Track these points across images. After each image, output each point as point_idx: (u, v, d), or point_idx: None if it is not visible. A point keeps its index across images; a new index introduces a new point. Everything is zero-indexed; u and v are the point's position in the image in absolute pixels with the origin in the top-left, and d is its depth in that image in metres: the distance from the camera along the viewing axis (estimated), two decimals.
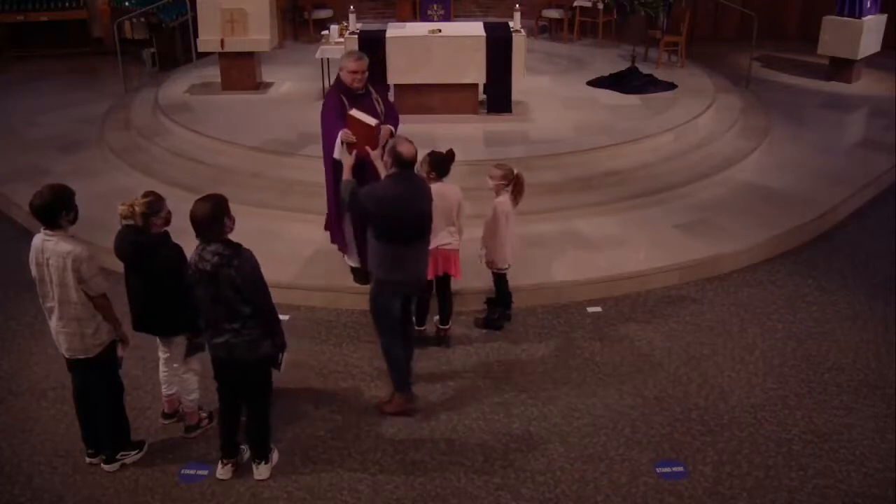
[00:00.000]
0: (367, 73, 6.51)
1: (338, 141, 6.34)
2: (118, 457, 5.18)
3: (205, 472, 5.13)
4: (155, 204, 5.08)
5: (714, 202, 8.38)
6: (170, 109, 9.87)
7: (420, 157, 5.69)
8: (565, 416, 5.65)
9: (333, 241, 7.13)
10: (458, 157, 8.46)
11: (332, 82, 7.14)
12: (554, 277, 7.08)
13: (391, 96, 8.11)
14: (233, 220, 4.89)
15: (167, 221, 5.13)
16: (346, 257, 7.10)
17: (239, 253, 4.81)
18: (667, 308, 6.90)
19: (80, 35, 13.76)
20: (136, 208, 5.04)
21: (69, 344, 4.94)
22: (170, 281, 4.99)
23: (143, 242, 5.07)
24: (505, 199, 6.23)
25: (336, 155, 6.39)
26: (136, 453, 5.25)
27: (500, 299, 6.60)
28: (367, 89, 6.61)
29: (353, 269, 7.03)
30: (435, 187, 5.85)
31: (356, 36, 9.36)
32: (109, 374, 5.09)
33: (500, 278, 6.49)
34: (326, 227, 7.12)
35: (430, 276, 6.11)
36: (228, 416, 5.08)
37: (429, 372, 6.09)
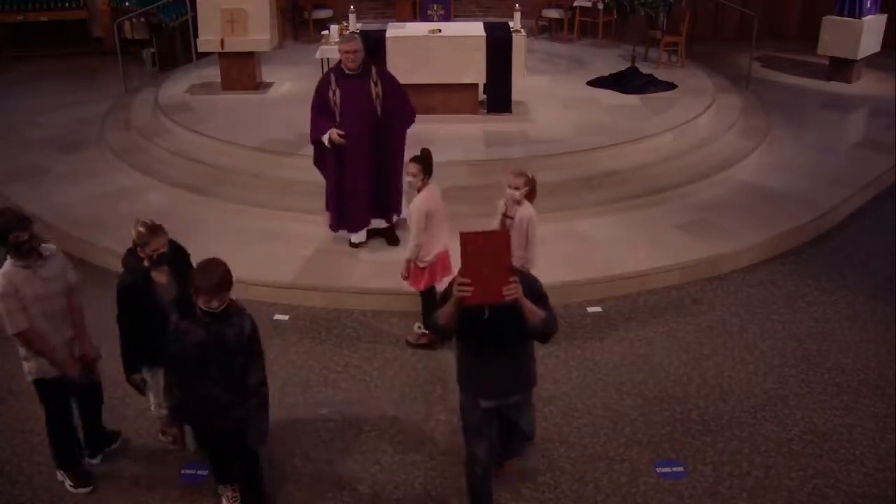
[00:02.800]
0: (360, 53, 6.88)
1: (325, 137, 6.92)
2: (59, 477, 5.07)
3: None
4: (142, 237, 4.63)
5: (714, 202, 8.38)
6: (170, 109, 9.87)
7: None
8: (565, 416, 5.65)
9: (332, 224, 7.34)
10: (458, 157, 8.56)
11: (316, 87, 7.24)
12: (554, 277, 7.06)
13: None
14: None
15: (152, 259, 4.65)
16: (352, 237, 7.38)
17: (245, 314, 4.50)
18: (667, 308, 6.90)
19: (80, 35, 13.77)
20: (132, 231, 4.68)
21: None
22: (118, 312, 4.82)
23: (125, 267, 4.82)
24: (530, 206, 5.81)
25: (325, 141, 6.96)
26: (71, 483, 5.02)
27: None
28: (365, 71, 6.92)
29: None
30: (433, 190, 5.87)
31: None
32: (45, 405, 4.95)
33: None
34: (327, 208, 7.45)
35: (433, 282, 6.11)
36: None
37: (429, 372, 6.09)
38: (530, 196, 5.75)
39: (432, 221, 5.95)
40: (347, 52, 6.81)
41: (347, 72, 6.89)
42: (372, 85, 6.90)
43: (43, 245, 4.72)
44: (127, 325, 4.82)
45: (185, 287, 4.43)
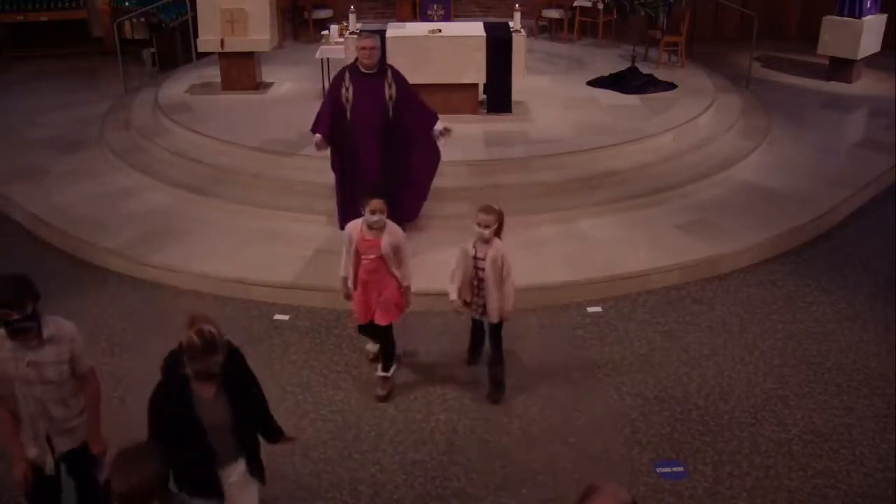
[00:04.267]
0: (376, 51, 6.87)
1: (314, 141, 7.02)
2: None
3: None
4: (193, 350, 3.65)
5: (714, 202, 8.38)
6: (170, 109, 9.87)
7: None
8: (565, 416, 5.65)
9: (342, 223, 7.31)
10: (458, 157, 8.55)
11: (331, 82, 7.25)
12: (554, 277, 7.08)
13: None
14: None
15: (198, 374, 3.72)
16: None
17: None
18: (667, 308, 6.90)
19: (80, 35, 13.76)
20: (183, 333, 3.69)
21: None
22: None
23: (163, 372, 3.95)
24: (500, 241, 5.47)
25: (314, 143, 7.07)
26: None
27: (499, 353, 5.82)
28: (381, 71, 6.93)
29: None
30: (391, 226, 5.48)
31: (356, 36, 9.36)
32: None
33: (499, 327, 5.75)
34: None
35: (385, 321, 5.63)
36: None
37: (428, 373, 6.09)
38: (499, 231, 5.45)
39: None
40: (364, 48, 6.78)
41: (363, 70, 6.88)
42: (386, 86, 6.89)
43: (51, 322, 4.06)
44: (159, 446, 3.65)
45: (241, 408, 3.78)
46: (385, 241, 5.40)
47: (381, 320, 5.61)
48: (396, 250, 5.47)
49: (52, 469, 4.25)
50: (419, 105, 7.10)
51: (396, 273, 5.52)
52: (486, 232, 5.35)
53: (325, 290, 6.92)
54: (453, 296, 5.56)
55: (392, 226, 5.47)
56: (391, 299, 5.58)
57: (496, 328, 5.71)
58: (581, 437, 5.45)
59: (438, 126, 7.13)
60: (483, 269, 5.44)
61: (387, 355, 5.82)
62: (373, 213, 5.28)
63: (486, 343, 5.94)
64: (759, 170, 9.14)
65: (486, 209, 5.40)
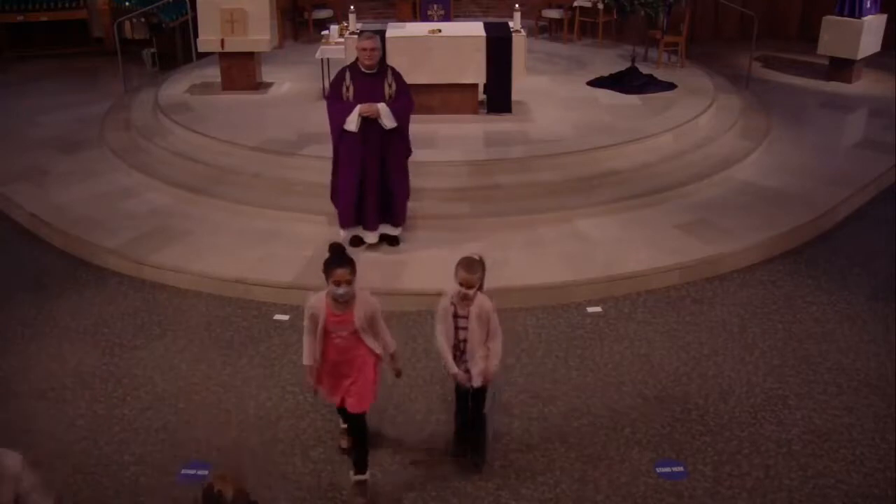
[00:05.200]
0: (377, 52, 6.83)
1: (354, 113, 6.78)
2: None
3: (205, 472, 5.12)
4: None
5: (714, 202, 8.38)
6: (170, 109, 9.88)
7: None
8: (565, 416, 5.65)
9: (344, 222, 7.33)
10: (458, 157, 8.56)
11: (331, 82, 7.25)
12: (554, 277, 7.07)
13: None
14: None
15: None
16: (367, 237, 7.39)
17: None
18: (667, 308, 6.90)
19: (80, 35, 13.76)
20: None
21: None
22: None
23: None
24: (483, 295, 4.82)
25: (351, 126, 6.83)
26: None
27: (481, 413, 5.11)
28: (381, 71, 6.91)
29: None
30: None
31: (356, 36, 9.36)
32: None
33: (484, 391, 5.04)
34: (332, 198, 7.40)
35: (359, 409, 4.84)
36: None
37: (429, 372, 6.09)
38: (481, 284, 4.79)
39: None
40: (364, 49, 6.78)
41: (364, 70, 6.87)
42: (386, 86, 6.88)
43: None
44: None
45: None
46: (358, 313, 4.61)
47: (354, 408, 4.80)
48: (372, 321, 4.68)
49: None
50: (404, 97, 7.01)
51: (374, 346, 4.73)
52: (470, 292, 4.69)
53: (325, 290, 6.92)
54: (453, 368, 4.85)
55: (363, 294, 4.68)
56: (367, 382, 4.77)
57: (479, 388, 4.97)
58: (581, 437, 5.45)
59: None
60: (464, 329, 4.78)
61: (360, 452, 4.90)
62: (338, 284, 4.51)
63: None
64: (759, 170, 9.14)
65: (469, 266, 4.68)
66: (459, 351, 4.87)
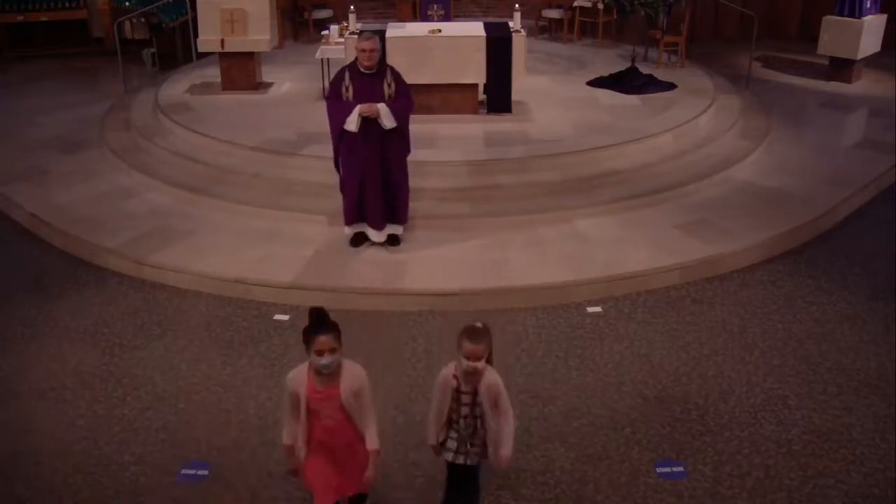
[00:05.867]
0: (376, 53, 6.84)
1: (354, 113, 6.78)
2: None
3: (205, 472, 5.13)
4: None
5: (714, 202, 8.38)
6: (170, 109, 9.88)
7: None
8: (565, 416, 5.65)
9: (348, 220, 7.34)
10: (458, 157, 8.56)
11: (330, 82, 7.26)
12: (554, 277, 7.08)
13: None
14: None
15: None
16: (372, 235, 7.38)
17: None
18: (667, 308, 6.90)
19: (80, 35, 13.76)
20: None
21: None
22: None
23: None
24: (491, 368, 4.25)
25: (351, 126, 6.82)
26: None
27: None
28: (381, 71, 6.92)
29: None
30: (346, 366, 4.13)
31: (356, 36, 9.36)
32: None
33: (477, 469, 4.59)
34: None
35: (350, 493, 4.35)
36: None
37: (429, 372, 6.09)
38: (489, 354, 4.22)
39: None
40: (364, 50, 6.79)
41: (363, 70, 6.88)
42: (386, 86, 6.89)
43: None
44: None
45: None
46: (345, 388, 4.04)
47: (354, 490, 4.31)
48: (358, 397, 4.09)
49: None
50: (403, 97, 7.02)
51: (360, 428, 4.18)
52: (478, 365, 4.11)
53: (325, 290, 6.93)
54: (432, 440, 4.43)
55: (349, 365, 4.10)
56: (363, 467, 4.23)
57: (474, 470, 4.51)
58: (581, 437, 5.45)
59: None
60: (467, 405, 4.28)
61: None
62: (320, 354, 3.93)
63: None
64: (759, 170, 9.14)
65: (474, 335, 4.09)
66: (464, 428, 4.35)
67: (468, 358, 4.09)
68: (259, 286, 6.98)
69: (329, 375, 4.01)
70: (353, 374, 4.08)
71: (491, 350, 4.18)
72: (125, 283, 7.23)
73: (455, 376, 4.24)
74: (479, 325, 4.17)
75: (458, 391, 4.25)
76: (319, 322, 4.01)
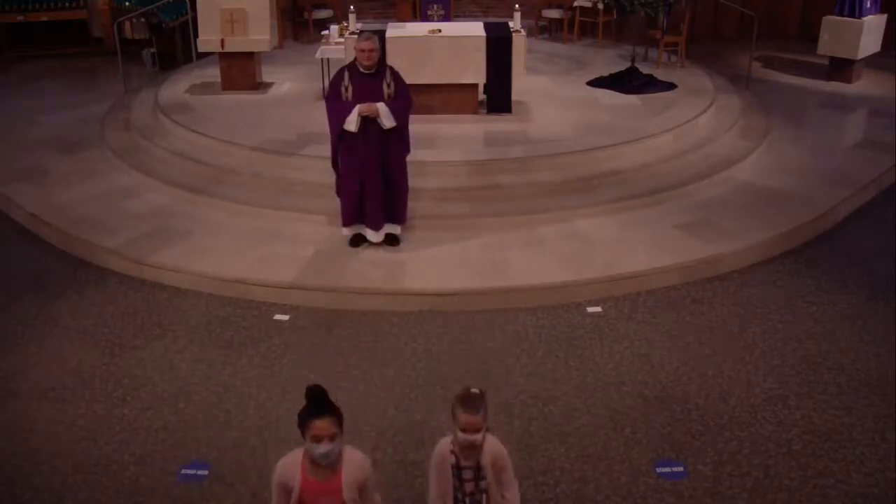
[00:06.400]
0: (375, 53, 6.86)
1: (354, 113, 6.79)
2: None
3: (205, 472, 5.13)
4: None
5: (714, 202, 8.38)
6: (170, 109, 9.88)
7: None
8: (565, 416, 5.65)
9: (346, 221, 7.33)
10: (458, 157, 8.56)
11: (330, 82, 7.26)
12: (554, 278, 7.08)
13: None
14: None
15: None
16: (370, 236, 7.37)
17: None
18: (667, 308, 6.90)
19: (80, 35, 13.76)
20: None
21: None
22: None
23: None
24: (493, 438, 3.86)
25: (350, 126, 6.83)
26: None
27: None
28: (380, 71, 6.93)
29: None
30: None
31: (356, 36, 9.36)
32: None
33: None
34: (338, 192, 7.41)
35: None
36: None
37: (429, 372, 6.09)
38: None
39: None
40: (363, 50, 6.81)
41: (362, 70, 6.89)
42: (385, 86, 6.90)
43: None
44: None
45: None
46: (347, 480, 3.52)
47: None
48: (363, 489, 3.58)
49: None
50: (403, 98, 7.02)
51: None
52: (478, 437, 3.69)
53: (325, 290, 6.93)
54: None
55: (351, 453, 3.58)
56: None
57: None
58: (581, 437, 5.45)
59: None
60: (471, 481, 3.85)
61: None
62: (318, 440, 3.42)
63: None
64: (759, 170, 9.14)
65: (470, 405, 3.65)
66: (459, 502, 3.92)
67: (465, 431, 3.66)
68: (259, 286, 6.98)
69: (328, 466, 3.49)
70: (356, 464, 3.56)
71: (487, 415, 3.72)
72: (125, 283, 7.23)
73: (453, 451, 3.80)
74: (474, 390, 3.71)
75: (458, 467, 3.83)
76: (317, 402, 3.46)
